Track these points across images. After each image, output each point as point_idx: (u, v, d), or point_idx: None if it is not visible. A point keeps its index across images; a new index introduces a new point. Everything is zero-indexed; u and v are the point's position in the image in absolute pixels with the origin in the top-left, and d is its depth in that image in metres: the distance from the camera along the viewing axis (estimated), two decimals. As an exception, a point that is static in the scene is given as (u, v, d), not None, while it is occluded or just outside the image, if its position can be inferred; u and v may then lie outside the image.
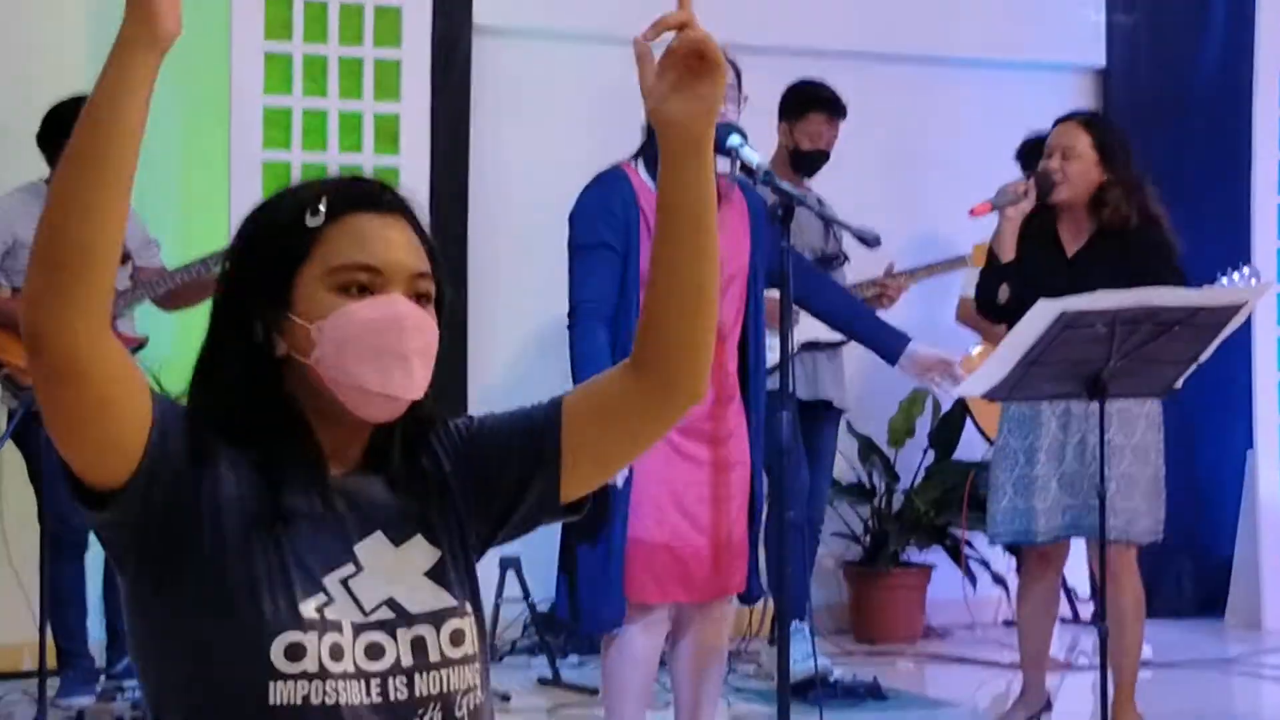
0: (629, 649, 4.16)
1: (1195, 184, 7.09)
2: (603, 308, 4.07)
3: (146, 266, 5.67)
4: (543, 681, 6.06)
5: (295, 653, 1.78)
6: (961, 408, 6.86)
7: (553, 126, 6.84)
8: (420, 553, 1.91)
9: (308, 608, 1.80)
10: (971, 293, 6.38)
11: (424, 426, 1.95)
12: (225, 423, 1.85)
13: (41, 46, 6.08)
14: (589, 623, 4.20)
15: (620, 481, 4.02)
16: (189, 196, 6.26)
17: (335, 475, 1.90)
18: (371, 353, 1.83)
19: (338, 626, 1.81)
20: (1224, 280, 5.85)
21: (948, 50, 7.41)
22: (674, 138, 1.82)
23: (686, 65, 1.79)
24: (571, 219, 4.23)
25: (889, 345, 4.60)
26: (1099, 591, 4.78)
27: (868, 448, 7.04)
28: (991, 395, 4.65)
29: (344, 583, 1.84)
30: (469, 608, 1.91)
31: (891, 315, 6.63)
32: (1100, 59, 7.67)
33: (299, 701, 1.77)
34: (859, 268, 6.31)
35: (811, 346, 6.13)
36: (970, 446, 7.01)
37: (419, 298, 1.89)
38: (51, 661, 5.21)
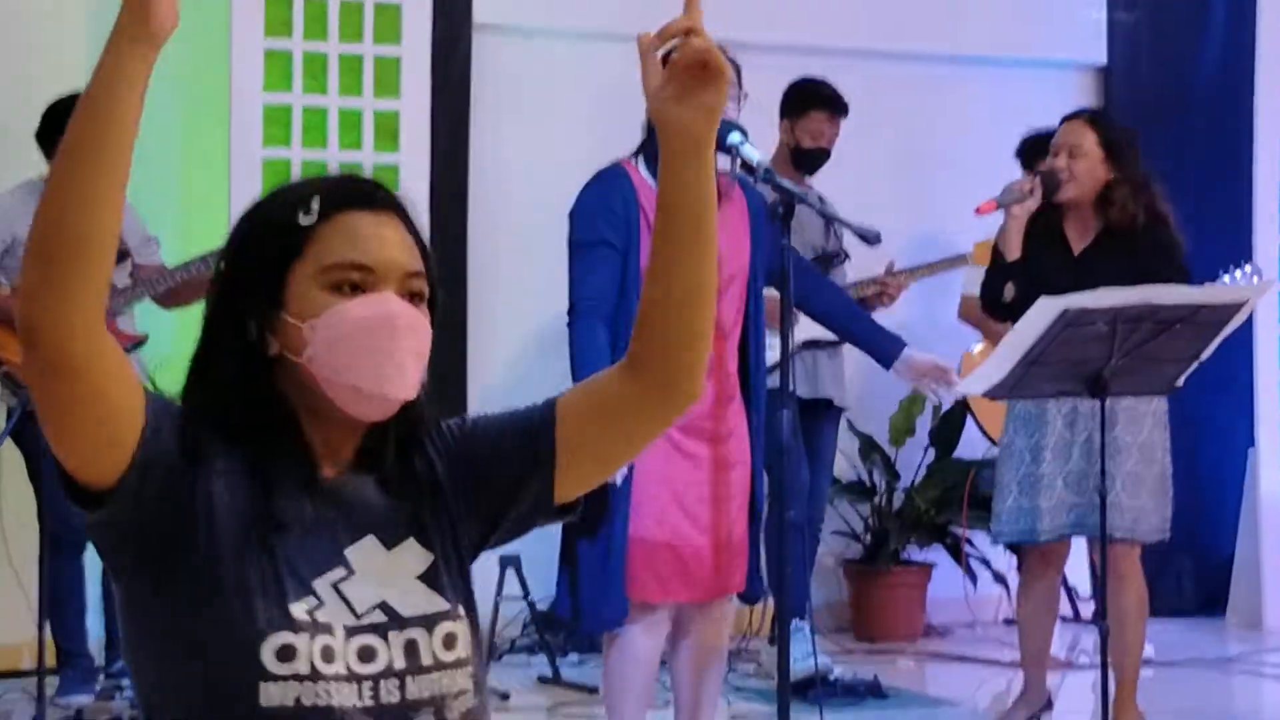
0: (630, 649, 4.15)
1: (1196, 182, 7.08)
2: (603, 306, 4.06)
3: (146, 264, 5.67)
4: (542, 680, 6.05)
5: (286, 654, 1.77)
6: (962, 406, 6.86)
7: (553, 124, 6.83)
8: (413, 556, 1.90)
9: (299, 610, 1.80)
10: (973, 291, 6.39)
11: (417, 427, 1.95)
12: (219, 421, 1.84)
13: (41, 45, 6.07)
14: (590, 621, 4.19)
15: (620, 480, 4.01)
16: (189, 194, 6.26)
17: (328, 476, 1.89)
18: (363, 351, 1.82)
19: (329, 629, 1.80)
20: (1225, 278, 5.84)
21: (949, 48, 7.40)
22: (675, 140, 1.81)
23: (689, 75, 1.78)
24: (571, 216, 4.22)
25: (884, 349, 4.58)
26: (1100, 590, 4.78)
27: (868, 446, 7.03)
28: (992, 394, 4.64)
29: (335, 586, 1.84)
30: (462, 611, 1.90)
31: (892, 313, 6.64)
32: (1101, 57, 7.67)
33: (291, 703, 1.76)
34: (860, 266, 6.31)
35: (812, 345, 6.13)
36: (971, 445, 7.01)
37: (412, 296, 1.88)
38: (51, 660, 5.22)
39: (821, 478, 6.39)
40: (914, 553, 7.18)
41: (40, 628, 5.01)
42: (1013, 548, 6.40)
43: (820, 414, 6.30)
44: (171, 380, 1.91)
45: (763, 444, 4.22)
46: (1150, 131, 5.39)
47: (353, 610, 1.83)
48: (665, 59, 1.80)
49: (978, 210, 5.16)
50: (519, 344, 6.71)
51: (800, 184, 6.04)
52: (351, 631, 1.82)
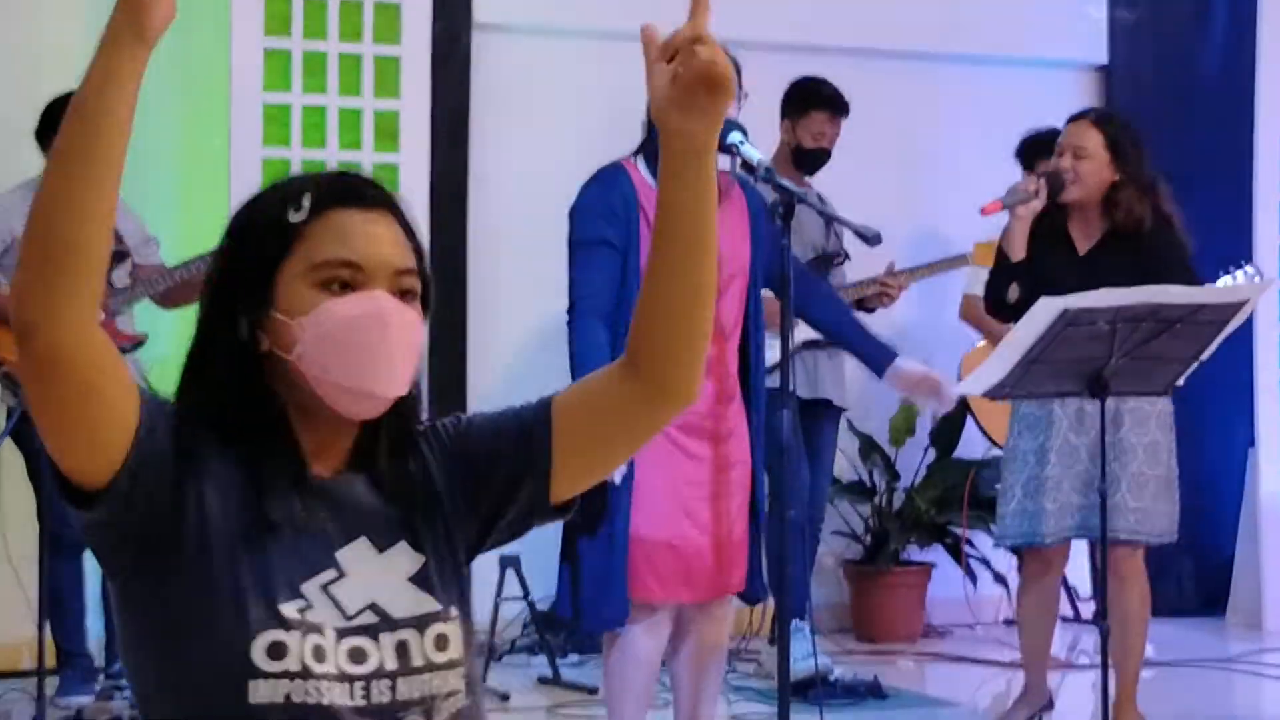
0: (632, 649, 4.15)
1: (1197, 181, 7.06)
2: (602, 305, 4.06)
3: (146, 264, 5.67)
4: (542, 680, 6.05)
5: (277, 651, 1.77)
6: (962, 406, 6.85)
7: (553, 123, 6.83)
8: (404, 558, 1.90)
9: (289, 610, 1.80)
10: (974, 291, 6.39)
11: (410, 426, 1.94)
12: (212, 421, 1.84)
13: (43, 43, 6.07)
14: (591, 621, 4.19)
15: (620, 479, 4.01)
16: (188, 193, 6.25)
17: (321, 476, 1.89)
18: (352, 349, 1.82)
19: (319, 629, 1.80)
20: (1225, 278, 5.84)
21: (950, 47, 7.40)
22: (676, 144, 1.80)
23: (695, 87, 1.75)
24: (571, 215, 4.22)
25: (877, 358, 4.54)
26: (1100, 590, 4.77)
27: (868, 446, 7.03)
28: (993, 394, 4.64)
29: (324, 588, 1.83)
30: (455, 612, 1.90)
31: (893, 314, 6.65)
32: (1102, 56, 7.67)
33: (280, 700, 1.76)
34: (860, 265, 6.30)
35: (812, 345, 6.12)
36: (971, 445, 7.01)
37: (404, 294, 1.87)
38: (50, 660, 5.21)
39: (821, 478, 6.39)
40: (914, 553, 7.18)
41: (40, 628, 5.01)
42: (1014, 548, 6.40)
43: (820, 414, 6.30)
44: (168, 380, 1.91)
45: (763, 444, 4.22)
46: (1151, 131, 5.38)
47: (343, 612, 1.83)
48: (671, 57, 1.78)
49: (983, 211, 5.14)
50: (519, 343, 6.70)
51: (800, 184, 6.04)
52: (342, 633, 1.82)
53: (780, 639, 4.00)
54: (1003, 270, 5.19)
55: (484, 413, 2.01)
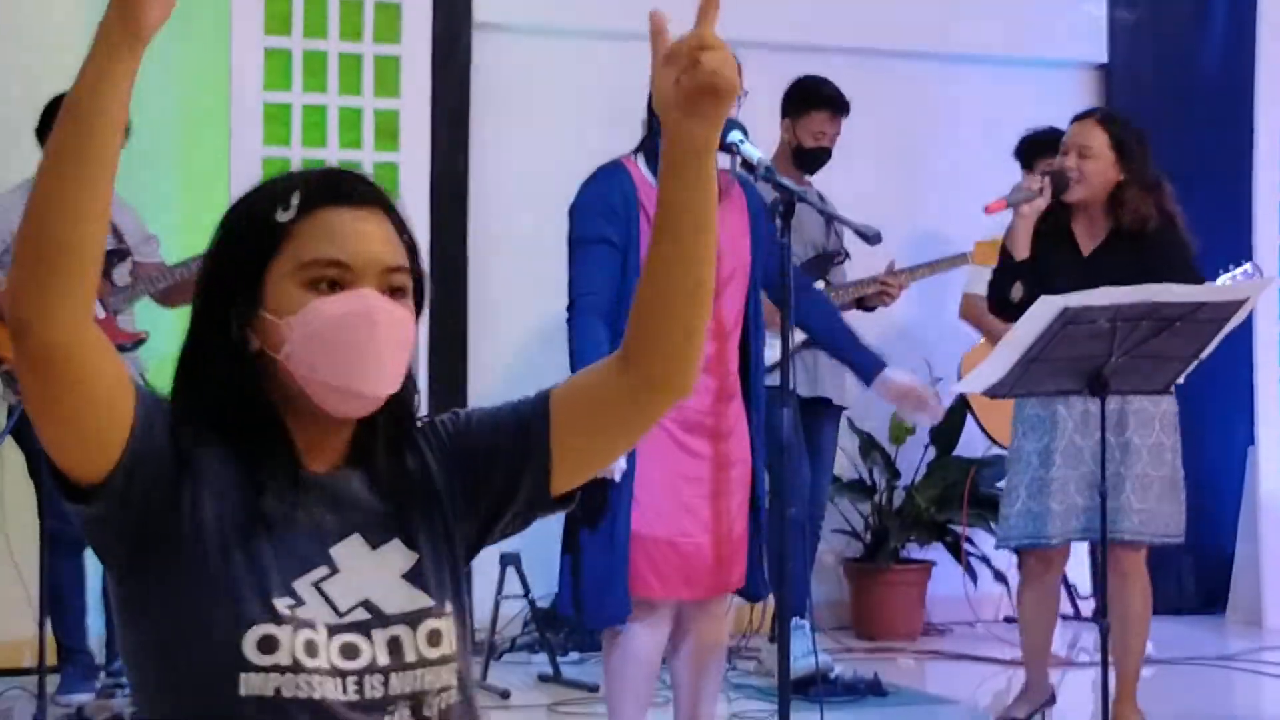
0: (632, 648, 4.15)
1: (1196, 180, 7.06)
2: (602, 302, 4.06)
3: (146, 262, 5.68)
4: (543, 678, 6.06)
5: (268, 645, 1.78)
6: (963, 404, 6.86)
7: (553, 122, 6.84)
8: (397, 555, 1.90)
9: (281, 605, 1.80)
10: (973, 289, 6.39)
11: (408, 423, 1.95)
12: (207, 419, 1.85)
13: (44, 41, 6.07)
14: (592, 618, 4.19)
15: (618, 475, 4.01)
16: (189, 192, 6.26)
17: (317, 472, 1.89)
18: (339, 349, 1.82)
19: (311, 625, 1.81)
20: (1225, 277, 5.84)
21: (950, 46, 7.40)
22: (677, 142, 1.79)
23: (697, 95, 1.74)
24: (571, 213, 4.22)
25: (866, 366, 4.52)
26: (1100, 588, 4.77)
27: (868, 444, 7.03)
28: (992, 392, 4.64)
29: (317, 585, 1.84)
30: (449, 608, 1.90)
31: (893, 312, 6.65)
32: (1102, 55, 7.67)
33: (270, 693, 1.77)
34: (860, 264, 6.30)
35: (812, 344, 6.11)
36: (971, 443, 7.01)
37: (394, 291, 1.87)
38: (51, 658, 5.22)
39: (822, 476, 6.39)
40: (914, 551, 7.18)
41: (41, 625, 5.02)
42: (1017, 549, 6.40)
43: (820, 412, 6.30)
44: (167, 378, 1.92)
45: (763, 442, 4.22)
46: (1151, 130, 5.37)
47: (335, 609, 1.84)
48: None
49: (987, 209, 5.13)
50: (519, 342, 6.71)
51: (801, 182, 6.04)
52: (334, 629, 1.82)
53: (780, 637, 4.01)
54: (1006, 269, 5.17)
55: (482, 408, 2.01)
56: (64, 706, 5.42)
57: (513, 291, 6.73)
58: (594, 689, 5.59)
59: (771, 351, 4.39)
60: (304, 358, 1.83)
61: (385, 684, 1.83)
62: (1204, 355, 4.60)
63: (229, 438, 1.85)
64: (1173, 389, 4.97)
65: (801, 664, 4.90)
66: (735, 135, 3.90)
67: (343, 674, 1.81)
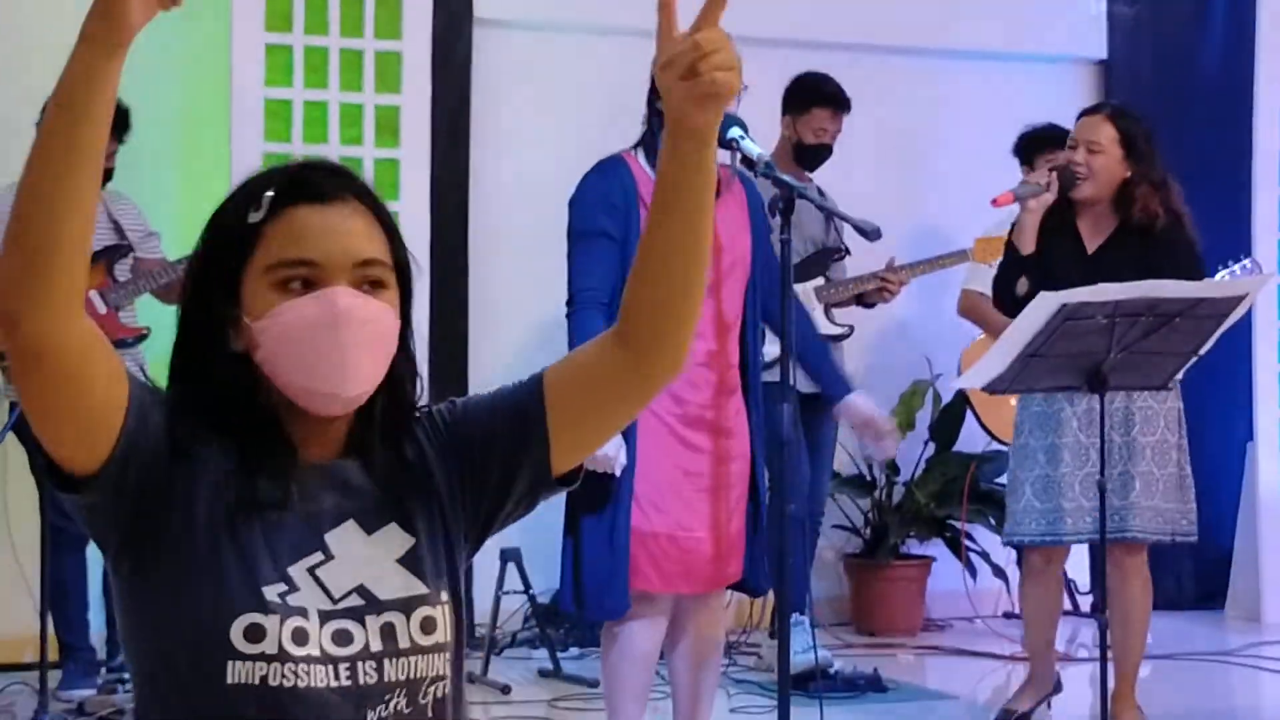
0: (629, 645, 4.16)
1: (1196, 176, 7.06)
2: (601, 296, 4.06)
3: (147, 258, 5.69)
4: (543, 673, 6.07)
5: (255, 634, 1.79)
6: (963, 400, 6.86)
7: (553, 119, 6.84)
8: (393, 540, 1.90)
9: (270, 592, 1.81)
10: (972, 286, 6.40)
11: (406, 413, 1.95)
12: (203, 417, 1.86)
13: (44, 40, 6.07)
14: (593, 611, 4.19)
15: (619, 469, 4.02)
16: (190, 188, 6.26)
17: (315, 461, 1.90)
18: (307, 350, 1.83)
19: (302, 612, 1.82)
20: (1224, 273, 5.84)
21: (949, 43, 7.41)
22: (678, 126, 1.78)
23: (699, 98, 1.73)
24: (571, 206, 4.22)
25: (831, 388, 4.51)
26: (1100, 583, 4.77)
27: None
28: (991, 388, 4.64)
29: (311, 571, 1.85)
30: (445, 596, 1.90)
31: (893, 309, 6.66)
32: (1101, 51, 7.67)
33: (256, 681, 1.78)
34: (860, 261, 6.31)
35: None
36: (971, 439, 7.02)
37: (372, 285, 1.86)
38: (53, 654, 5.22)
39: (822, 472, 6.39)
40: (914, 546, 7.19)
41: (42, 621, 5.03)
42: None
43: (820, 408, 6.26)
44: (167, 373, 1.92)
45: (763, 438, 4.23)
46: (1150, 126, 5.38)
47: (329, 595, 1.84)
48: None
49: (994, 202, 5.11)
50: (520, 336, 6.71)
51: (802, 179, 6.05)
52: (327, 616, 1.83)
53: (780, 632, 4.01)
54: (1012, 263, 5.14)
55: (478, 395, 2.01)
56: (65, 702, 5.43)
57: (513, 287, 6.74)
58: (594, 684, 5.60)
59: (773, 346, 4.39)
60: (276, 360, 1.84)
61: (378, 670, 1.83)
62: (1203, 351, 4.60)
63: (226, 434, 1.86)
64: (1176, 386, 4.97)
65: (801, 659, 4.90)
66: (735, 131, 3.90)
67: (334, 660, 1.82)
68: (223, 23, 6.12)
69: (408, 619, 1.86)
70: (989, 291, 5.52)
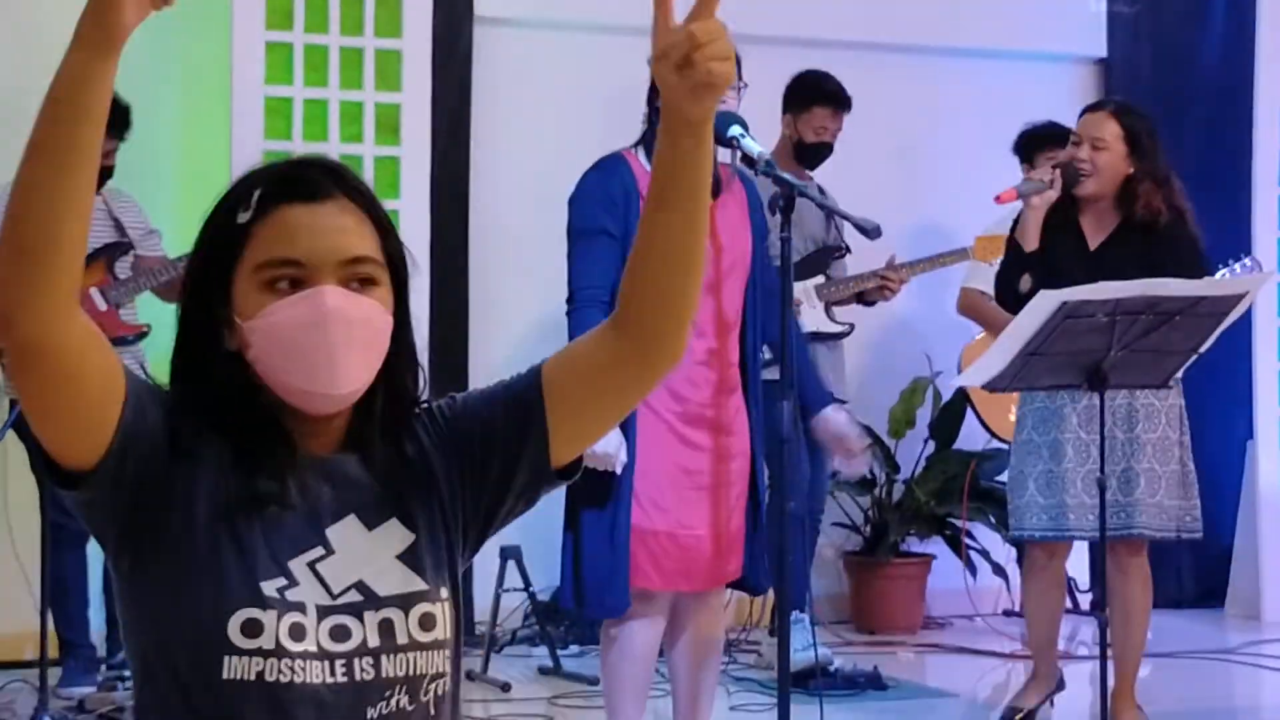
0: (629, 643, 4.16)
1: (1196, 174, 7.07)
2: (602, 295, 4.05)
3: (148, 256, 5.70)
4: (543, 671, 6.07)
5: (252, 629, 1.79)
6: (963, 398, 6.87)
7: (553, 117, 6.85)
8: (394, 536, 1.90)
9: (268, 587, 1.81)
10: (972, 284, 6.40)
11: (406, 409, 1.95)
12: (204, 416, 1.86)
13: (44, 40, 6.07)
14: (593, 608, 4.19)
15: (619, 468, 4.02)
16: (190, 186, 6.26)
17: (316, 455, 1.90)
18: (293, 351, 1.83)
19: (300, 607, 1.82)
20: (1224, 271, 5.84)
21: (948, 41, 7.41)
22: (674, 115, 1.78)
23: (695, 88, 1.73)
24: (571, 204, 4.22)
25: (811, 398, 4.47)
26: (1100, 581, 4.77)
27: (868, 437, 7.03)
28: (991, 385, 4.64)
29: (311, 566, 1.85)
30: (444, 594, 1.90)
31: (893, 307, 6.66)
32: (1101, 49, 7.67)
33: (252, 677, 1.79)
34: (860, 259, 6.31)
35: (812, 337, 6.13)
36: (971, 437, 7.02)
37: (361, 282, 1.86)
38: (53, 651, 5.23)
39: (821, 469, 6.38)
40: (914, 544, 7.19)
41: (43, 618, 5.03)
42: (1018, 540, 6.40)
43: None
44: (168, 371, 1.92)
45: (762, 436, 4.23)
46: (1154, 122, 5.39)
47: (328, 590, 1.84)
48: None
49: (998, 199, 5.10)
50: (520, 336, 6.71)
51: (802, 177, 6.05)
52: (325, 611, 1.83)
53: (780, 630, 4.02)
54: (1015, 261, 5.12)
55: (477, 389, 2.01)
56: (65, 699, 5.43)
57: (514, 285, 6.74)
58: (594, 682, 5.60)
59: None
60: (266, 359, 1.84)
61: (375, 666, 1.83)
62: (1203, 349, 4.60)
63: (225, 432, 1.86)
64: (1178, 383, 4.97)
65: (801, 657, 4.91)
66: (736, 130, 3.90)
67: (331, 656, 1.82)
68: (223, 20, 6.12)
69: (406, 615, 1.86)
70: (989, 290, 5.51)
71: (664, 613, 4.20)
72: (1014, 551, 6.64)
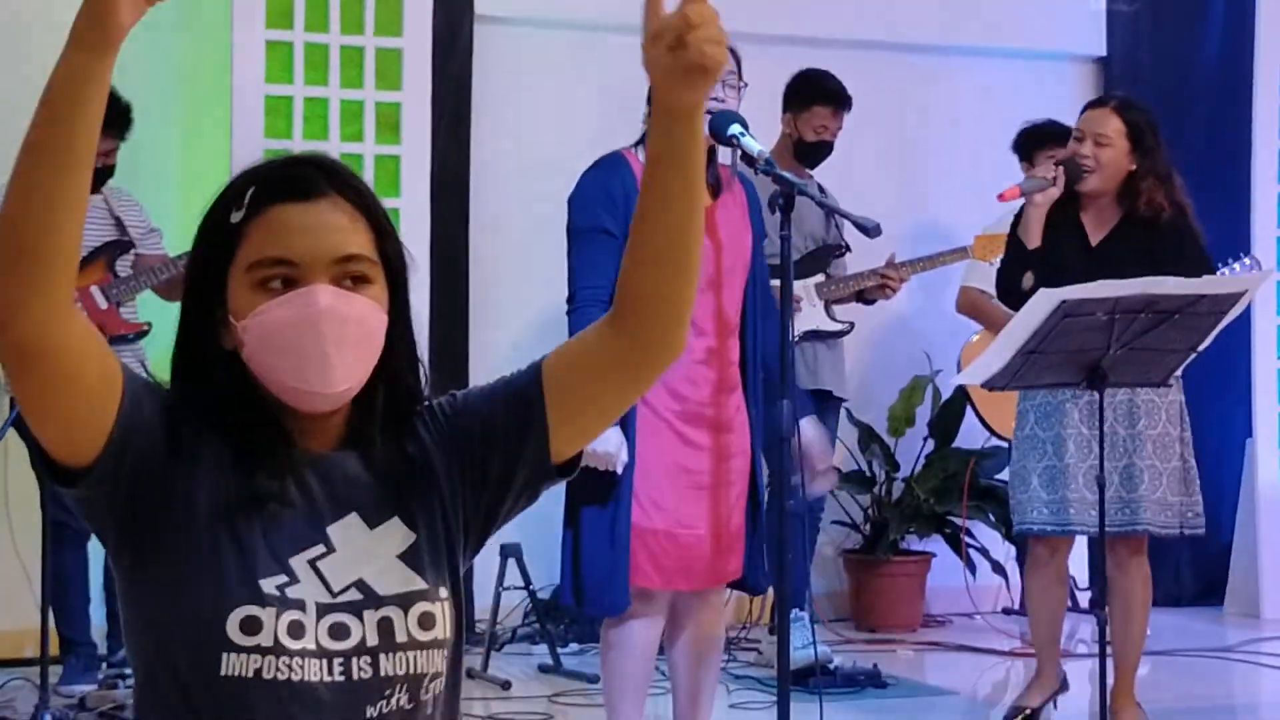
0: (629, 641, 4.16)
1: (1195, 172, 7.06)
2: (602, 294, 4.05)
3: (148, 254, 5.70)
4: (543, 669, 6.07)
5: (250, 626, 1.80)
6: (962, 396, 6.87)
7: (554, 116, 6.85)
8: (395, 535, 1.91)
9: (268, 585, 1.82)
10: (971, 283, 6.41)
11: (406, 407, 1.95)
12: (203, 414, 1.86)
13: (44, 40, 6.07)
14: (593, 606, 4.20)
15: (620, 467, 4.02)
16: (190, 185, 6.27)
17: (317, 452, 1.90)
18: (286, 350, 1.83)
19: (300, 605, 1.82)
20: (1223, 269, 5.84)
21: (948, 39, 7.41)
22: (665, 104, 1.77)
23: (687, 71, 1.72)
24: (570, 203, 4.22)
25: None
26: (1100, 579, 4.77)
27: (868, 436, 7.05)
28: (991, 384, 4.64)
29: (312, 564, 1.85)
30: (444, 593, 1.90)
31: (893, 305, 6.67)
32: (1101, 48, 7.68)
33: (250, 674, 1.79)
34: (860, 258, 6.31)
35: (812, 336, 6.14)
36: (970, 435, 7.02)
37: (355, 280, 1.86)
38: (54, 649, 5.23)
39: (821, 468, 6.39)
40: (913, 542, 7.20)
41: (43, 616, 5.03)
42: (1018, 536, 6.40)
43: (820, 405, 6.30)
44: (168, 369, 1.93)
45: (762, 435, 4.23)
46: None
47: (328, 588, 1.84)
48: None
49: (1000, 196, 5.08)
50: (520, 335, 6.72)
51: (802, 176, 6.05)
52: (325, 609, 1.83)
53: (780, 628, 4.02)
54: (1017, 258, 5.11)
55: (477, 387, 2.01)
56: (66, 697, 5.44)
57: (514, 283, 6.75)
58: (594, 680, 5.61)
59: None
60: (260, 358, 1.84)
61: (374, 665, 1.83)
62: (1202, 348, 4.61)
63: (224, 431, 1.86)
64: (1179, 380, 4.97)
65: (801, 655, 4.91)
66: (735, 128, 3.90)
67: (329, 655, 1.82)
68: (223, 19, 6.13)
69: (405, 614, 1.86)
70: (989, 288, 5.51)
71: (664, 611, 4.20)
72: (1013, 549, 6.64)
